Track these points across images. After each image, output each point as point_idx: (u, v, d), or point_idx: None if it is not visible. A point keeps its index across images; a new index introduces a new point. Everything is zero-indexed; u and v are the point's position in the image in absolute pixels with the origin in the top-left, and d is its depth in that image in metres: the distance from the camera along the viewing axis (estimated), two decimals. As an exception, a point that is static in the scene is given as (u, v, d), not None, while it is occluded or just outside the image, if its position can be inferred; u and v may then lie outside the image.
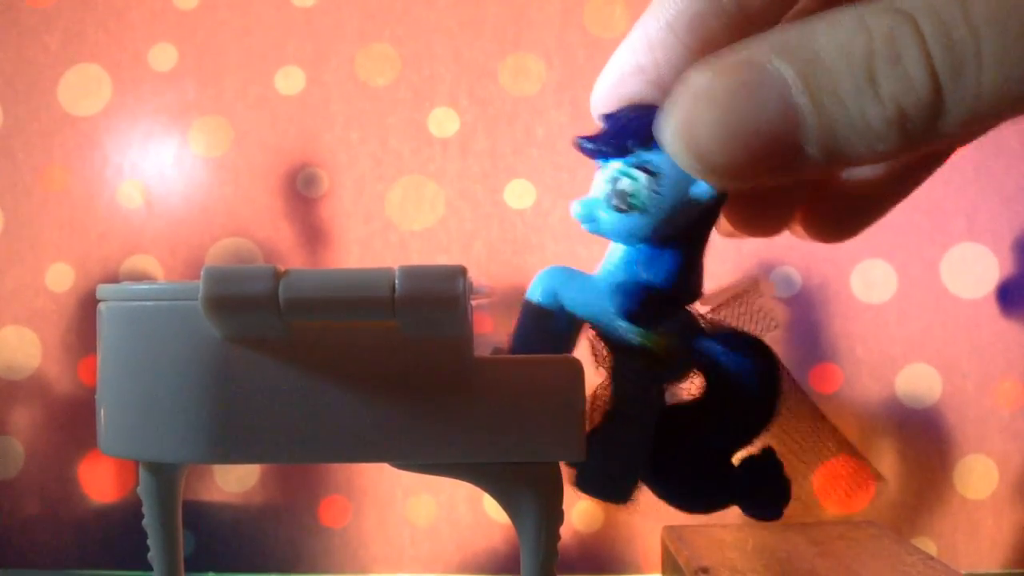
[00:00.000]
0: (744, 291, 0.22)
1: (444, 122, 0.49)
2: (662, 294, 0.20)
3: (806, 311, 0.48)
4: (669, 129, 0.17)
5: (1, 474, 0.49)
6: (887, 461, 0.48)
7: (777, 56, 0.16)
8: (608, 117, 0.19)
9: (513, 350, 0.21)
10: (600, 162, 0.20)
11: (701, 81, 0.16)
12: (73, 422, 0.49)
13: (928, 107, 0.15)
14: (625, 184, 0.19)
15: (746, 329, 0.21)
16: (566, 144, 0.48)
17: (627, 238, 0.20)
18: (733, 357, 0.21)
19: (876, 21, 0.15)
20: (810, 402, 0.22)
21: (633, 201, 0.19)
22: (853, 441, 0.23)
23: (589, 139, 0.20)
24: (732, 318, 0.22)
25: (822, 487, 0.22)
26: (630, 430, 0.20)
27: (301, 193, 0.49)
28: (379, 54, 0.50)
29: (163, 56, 0.50)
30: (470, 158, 0.49)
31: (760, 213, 0.22)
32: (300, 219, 0.49)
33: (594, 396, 0.21)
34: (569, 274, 0.21)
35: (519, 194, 0.49)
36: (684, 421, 0.21)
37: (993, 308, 0.48)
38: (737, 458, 0.21)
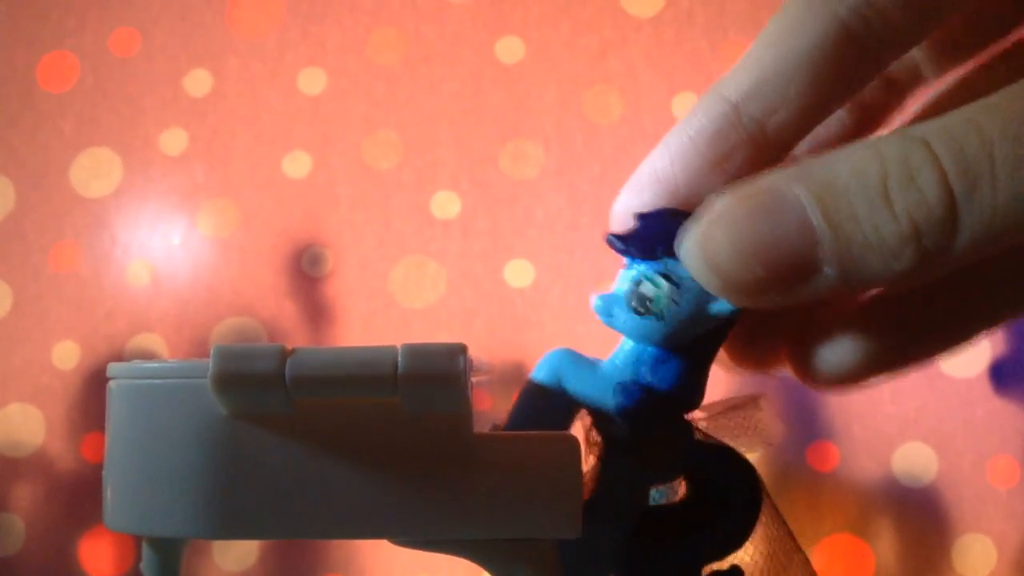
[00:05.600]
0: (743, 404, 0.22)
1: (446, 204, 0.51)
2: (662, 398, 0.20)
3: (802, 388, 0.48)
4: (688, 245, 0.17)
5: (1, 551, 0.49)
6: (886, 540, 0.48)
7: (794, 182, 0.16)
8: (641, 217, 0.20)
9: (508, 426, 0.21)
10: (627, 260, 0.20)
11: (721, 204, 0.17)
12: (75, 499, 0.49)
13: (943, 222, 0.15)
14: (647, 288, 0.19)
15: (741, 441, 0.21)
16: (564, 225, 0.49)
17: (640, 339, 0.20)
18: (720, 473, 0.21)
19: (889, 146, 0.16)
20: (785, 528, 0.22)
21: (652, 306, 0.19)
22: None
23: (619, 238, 0.20)
24: (728, 429, 0.22)
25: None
26: (608, 523, 0.20)
27: (306, 272, 0.50)
28: (384, 140, 0.51)
29: (173, 140, 0.52)
30: (471, 238, 0.50)
31: (752, 347, 0.22)
32: (304, 297, 0.50)
33: (585, 480, 0.21)
34: (575, 360, 0.21)
35: (518, 273, 0.50)
36: (662, 525, 0.21)
37: (986, 386, 0.48)
38: (706, 571, 0.21)
